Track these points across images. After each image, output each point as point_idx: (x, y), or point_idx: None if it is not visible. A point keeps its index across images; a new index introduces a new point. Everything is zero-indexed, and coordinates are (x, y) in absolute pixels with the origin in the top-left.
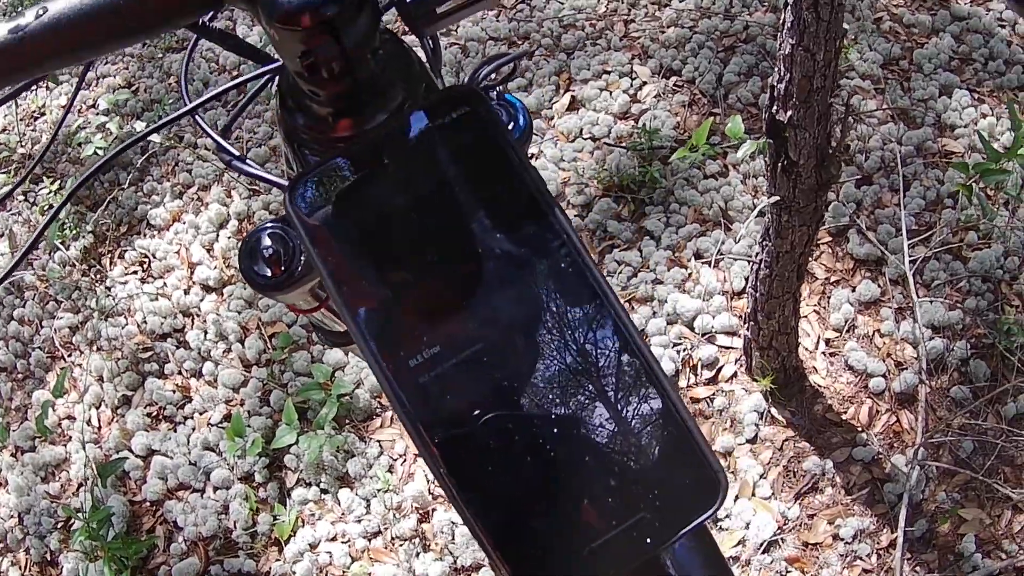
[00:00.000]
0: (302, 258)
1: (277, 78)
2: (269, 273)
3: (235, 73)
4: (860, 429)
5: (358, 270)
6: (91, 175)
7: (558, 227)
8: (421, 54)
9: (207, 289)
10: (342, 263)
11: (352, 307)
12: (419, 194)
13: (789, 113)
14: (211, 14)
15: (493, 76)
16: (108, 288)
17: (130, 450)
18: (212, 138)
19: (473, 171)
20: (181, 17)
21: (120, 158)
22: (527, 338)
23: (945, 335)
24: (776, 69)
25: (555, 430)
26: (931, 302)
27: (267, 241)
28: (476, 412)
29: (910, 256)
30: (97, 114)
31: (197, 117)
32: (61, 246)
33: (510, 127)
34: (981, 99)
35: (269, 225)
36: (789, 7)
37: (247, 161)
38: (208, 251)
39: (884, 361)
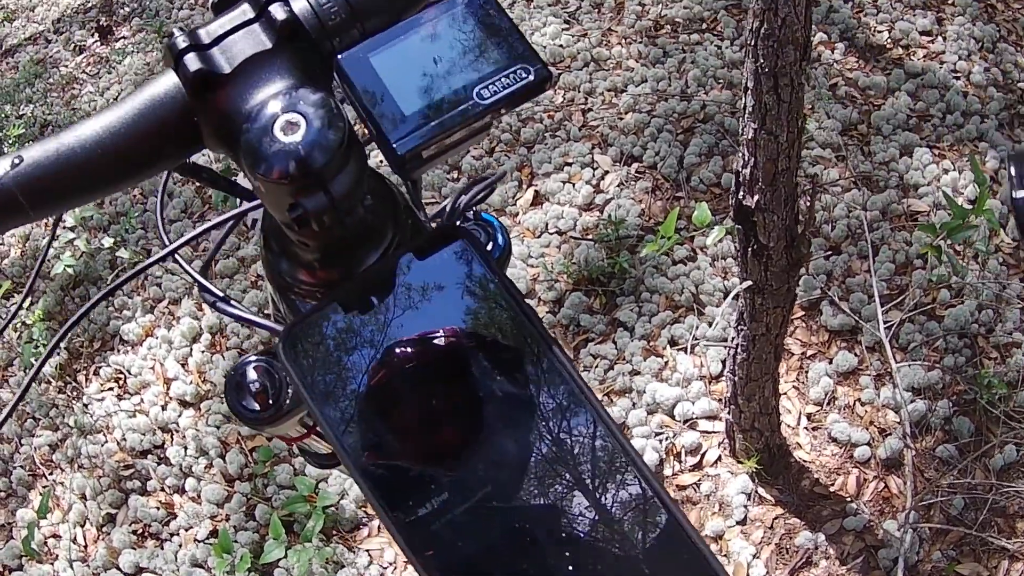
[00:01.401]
0: (289, 390)
1: (260, 214)
2: (257, 407)
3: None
4: (849, 499)
5: (359, 422)
6: (83, 315)
7: (557, 365)
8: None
9: (184, 404)
10: (342, 415)
11: (357, 462)
12: (410, 332)
13: (756, 197)
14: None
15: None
16: (85, 405)
17: (119, 568)
18: (195, 279)
19: (465, 307)
20: (158, 165)
21: (91, 274)
22: (534, 479)
23: (926, 396)
24: (740, 154)
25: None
26: (909, 365)
27: (252, 375)
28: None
29: (885, 321)
30: (64, 228)
31: (178, 257)
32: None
33: (489, 247)
34: (942, 155)
35: (253, 359)
36: (749, 91)
37: (232, 303)
38: (183, 366)
39: (867, 429)
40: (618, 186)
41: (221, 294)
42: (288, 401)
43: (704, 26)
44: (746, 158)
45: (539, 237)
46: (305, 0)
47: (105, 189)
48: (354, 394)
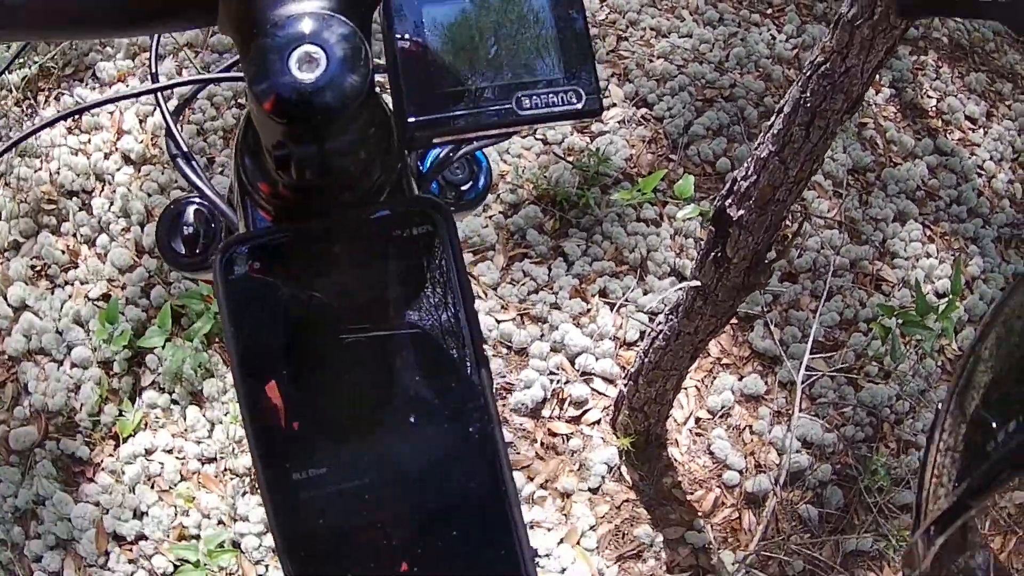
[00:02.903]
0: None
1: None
2: (183, 251)
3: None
4: (701, 515)
5: (268, 364)
6: (35, 131)
7: (478, 388)
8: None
9: (127, 160)
10: (254, 350)
11: (250, 401)
12: (354, 303)
13: (741, 212)
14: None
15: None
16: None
17: (5, 297)
18: (167, 123)
19: (415, 299)
20: (159, 22)
21: None
22: (412, 488)
23: (813, 453)
24: (745, 166)
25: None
26: (811, 418)
27: (190, 216)
28: (344, 549)
29: (807, 367)
30: None
31: (159, 95)
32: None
33: (467, 186)
34: (932, 238)
35: (197, 200)
36: (782, 114)
37: (193, 163)
38: (141, 122)
39: (746, 458)
40: (619, 122)
41: (185, 148)
42: (213, 258)
43: (768, 11)
44: (749, 172)
45: (524, 138)
46: None
47: (93, 29)
48: (273, 339)
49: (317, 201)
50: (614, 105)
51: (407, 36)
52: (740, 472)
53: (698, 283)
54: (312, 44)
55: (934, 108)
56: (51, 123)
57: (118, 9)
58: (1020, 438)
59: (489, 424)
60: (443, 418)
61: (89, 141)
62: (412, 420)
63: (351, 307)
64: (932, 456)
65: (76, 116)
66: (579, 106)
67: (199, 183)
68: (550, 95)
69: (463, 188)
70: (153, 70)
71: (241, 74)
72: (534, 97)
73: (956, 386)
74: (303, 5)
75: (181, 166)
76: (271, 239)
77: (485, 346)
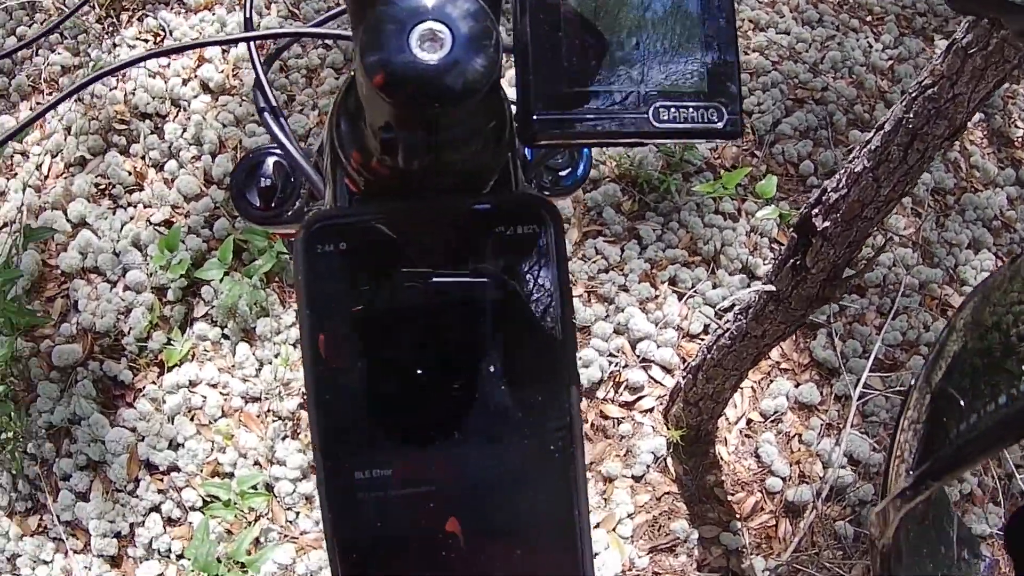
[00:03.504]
0: (296, 203)
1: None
2: (258, 203)
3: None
4: (738, 517)
5: (342, 353)
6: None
7: (566, 407)
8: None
9: (205, 88)
10: (329, 335)
11: (319, 388)
12: (444, 299)
13: (826, 224)
14: None
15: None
16: (115, 45)
17: (65, 212)
18: (257, 74)
19: (511, 305)
20: None
21: None
22: (480, 502)
23: (858, 471)
24: (837, 178)
25: None
26: (860, 435)
27: (269, 168)
28: (401, 558)
29: (864, 384)
30: None
31: (251, 46)
32: None
33: (565, 172)
34: None
35: (278, 152)
36: (881, 132)
37: (281, 118)
38: (224, 52)
39: (791, 466)
40: None
41: (274, 102)
42: (291, 214)
43: (868, 18)
44: (840, 184)
45: None
46: None
47: None
48: (351, 327)
49: (415, 183)
50: None
51: (540, 21)
52: (783, 479)
53: (772, 288)
54: (436, 22)
55: (1020, 139)
56: (122, 67)
57: None
58: (989, 422)
59: (572, 445)
60: (524, 433)
61: (168, 65)
62: (491, 431)
63: (439, 304)
64: (900, 427)
65: (145, 61)
66: (719, 126)
67: (286, 141)
68: (690, 109)
69: (561, 173)
70: (247, 15)
71: (346, 32)
72: (672, 110)
73: (927, 360)
74: None
75: (268, 121)
76: (362, 219)
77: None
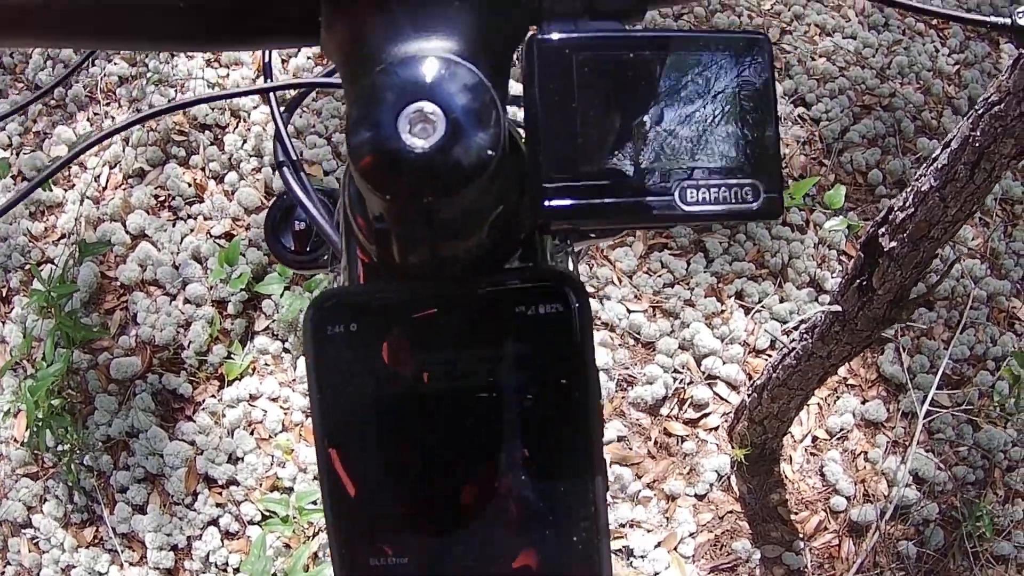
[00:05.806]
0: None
1: None
2: (292, 247)
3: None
4: (801, 537)
5: (355, 438)
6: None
7: (590, 497)
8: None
9: (265, 100)
10: (341, 420)
11: (331, 476)
12: (461, 385)
13: (893, 244)
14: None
15: None
16: (172, 55)
17: (124, 224)
18: (277, 126)
19: (531, 387)
20: (247, 37)
21: None
22: None
23: (923, 490)
24: (903, 197)
25: None
26: (926, 452)
27: (303, 212)
28: None
29: (932, 401)
30: None
31: (271, 96)
32: None
33: None
34: None
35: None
36: (948, 149)
37: (302, 173)
38: (284, 63)
39: (856, 485)
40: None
41: (294, 156)
42: (326, 258)
43: (934, 21)
44: (907, 203)
45: None
46: None
47: (173, 43)
48: (362, 412)
49: (420, 272)
50: None
51: (549, 92)
52: (848, 499)
53: (838, 308)
54: (429, 103)
55: None
56: (133, 125)
57: (196, 26)
58: None
59: (596, 536)
60: (546, 523)
61: (227, 76)
62: (511, 521)
63: (457, 389)
64: None
65: (165, 114)
66: (754, 206)
67: (304, 200)
68: (722, 188)
69: None
70: (265, 60)
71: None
72: (702, 191)
73: None
74: (426, 44)
75: (286, 177)
76: (373, 299)
77: (606, 379)
